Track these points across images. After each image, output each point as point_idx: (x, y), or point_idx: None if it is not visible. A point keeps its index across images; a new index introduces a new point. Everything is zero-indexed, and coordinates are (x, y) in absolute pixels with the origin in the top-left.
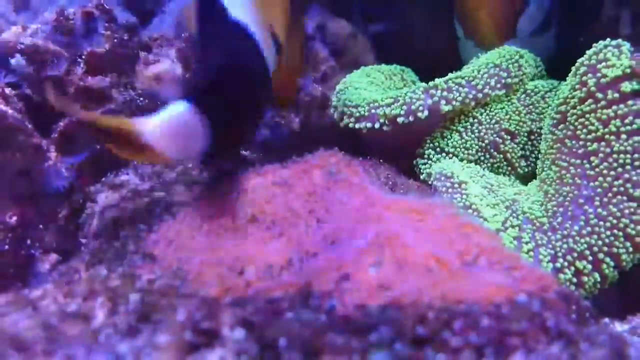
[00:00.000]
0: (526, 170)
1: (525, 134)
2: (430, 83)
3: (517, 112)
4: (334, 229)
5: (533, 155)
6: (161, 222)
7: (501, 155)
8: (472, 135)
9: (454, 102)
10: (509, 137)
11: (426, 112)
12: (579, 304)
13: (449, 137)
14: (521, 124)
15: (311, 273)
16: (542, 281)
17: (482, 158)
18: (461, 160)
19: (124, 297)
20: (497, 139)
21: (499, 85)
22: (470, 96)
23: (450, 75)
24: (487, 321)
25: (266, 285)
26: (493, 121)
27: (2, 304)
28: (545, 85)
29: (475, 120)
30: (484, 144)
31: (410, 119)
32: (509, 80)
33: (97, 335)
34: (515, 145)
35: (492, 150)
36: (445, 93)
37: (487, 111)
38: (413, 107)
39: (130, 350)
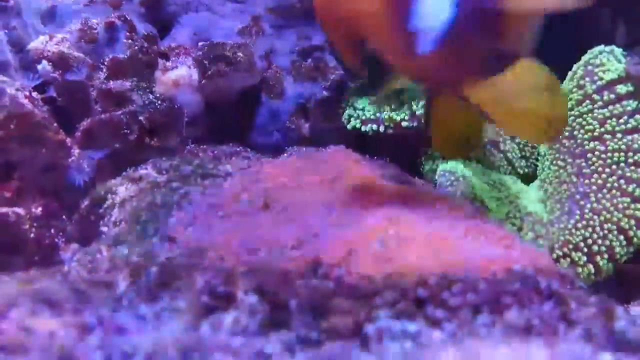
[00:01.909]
0: (526, 170)
1: None
2: None
3: None
4: (342, 214)
5: (532, 157)
6: (178, 209)
7: (501, 155)
8: None
9: None
10: (508, 137)
11: None
12: (573, 283)
13: None
14: None
15: (320, 249)
16: (538, 259)
17: (482, 156)
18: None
19: (144, 271)
20: (497, 137)
21: None
22: None
23: None
24: (484, 285)
25: (278, 259)
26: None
27: (33, 274)
28: None
29: None
30: (484, 142)
31: (414, 123)
32: None
33: (121, 301)
34: (515, 146)
35: (492, 149)
36: None
37: None
38: (418, 112)
39: (151, 312)
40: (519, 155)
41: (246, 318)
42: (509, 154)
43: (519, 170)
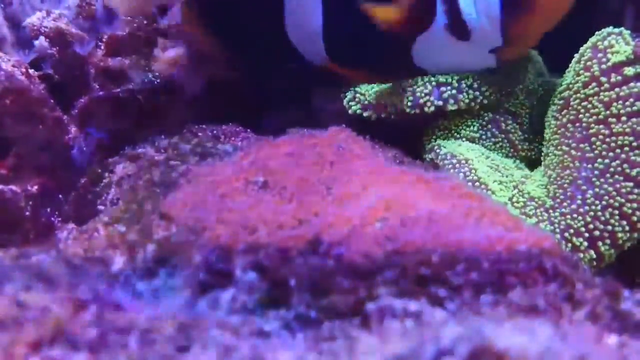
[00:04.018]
0: (529, 153)
1: (527, 116)
2: (442, 78)
3: (515, 97)
4: (343, 194)
5: (536, 140)
6: (177, 187)
7: (503, 135)
8: (473, 114)
9: (460, 103)
10: (510, 117)
11: (433, 108)
12: (577, 265)
13: (450, 117)
14: (521, 105)
15: (320, 227)
16: (543, 240)
17: (483, 136)
18: (463, 137)
19: (141, 248)
20: (498, 116)
21: (504, 92)
22: (478, 100)
23: (462, 74)
24: (487, 264)
25: (277, 237)
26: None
27: (28, 249)
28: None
29: None
30: (484, 122)
31: (417, 110)
32: (516, 89)
33: (117, 277)
34: (517, 126)
35: (493, 129)
36: (454, 92)
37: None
38: (421, 100)
39: (148, 288)
40: (522, 137)
41: (245, 295)
42: (510, 135)
43: (521, 153)
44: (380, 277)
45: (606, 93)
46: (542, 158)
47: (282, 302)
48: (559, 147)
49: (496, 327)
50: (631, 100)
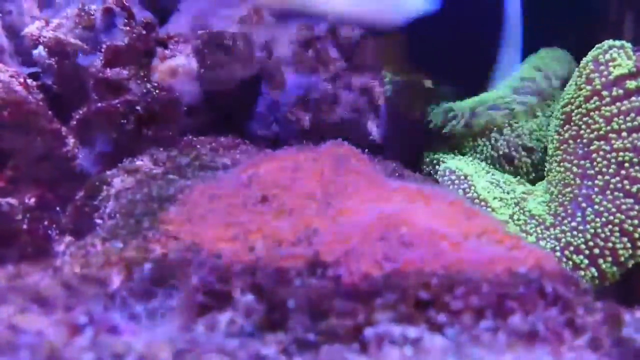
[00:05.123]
0: (530, 169)
1: (543, 149)
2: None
3: (540, 126)
4: (342, 210)
5: (534, 156)
6: (174, 202)
7: (511, 168)
8: (487, 142)
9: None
10: (525, 153)
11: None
12: (577, 284)
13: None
14: (542, 139)
15: (318, 246)
16: (543, 260)
17: (491, 163)
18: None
19: (139, 266)
20: (514, 153)
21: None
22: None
23: (491, 95)
24: (487, 287)
25: (276, 256)
26: (514, 134)
27: (24, 268)
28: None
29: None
30: (496, 155)
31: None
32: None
33: (114, 298)
34: (529, 160)
35: (503, 162)
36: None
37: (513, 126)
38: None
39: (144, 310)
40: (531, 169)
41: (242, 318)
42: (520, 169)
43: (522, 167)
44: (379, 300)
45: (607, 107)
46: (545, 173)
47: (280, 325)
48: (561, 164)
49: (496, 358)
50: (632, 115)
